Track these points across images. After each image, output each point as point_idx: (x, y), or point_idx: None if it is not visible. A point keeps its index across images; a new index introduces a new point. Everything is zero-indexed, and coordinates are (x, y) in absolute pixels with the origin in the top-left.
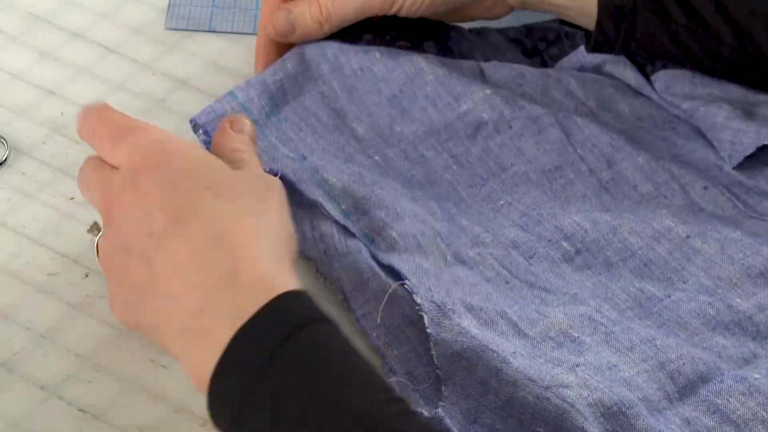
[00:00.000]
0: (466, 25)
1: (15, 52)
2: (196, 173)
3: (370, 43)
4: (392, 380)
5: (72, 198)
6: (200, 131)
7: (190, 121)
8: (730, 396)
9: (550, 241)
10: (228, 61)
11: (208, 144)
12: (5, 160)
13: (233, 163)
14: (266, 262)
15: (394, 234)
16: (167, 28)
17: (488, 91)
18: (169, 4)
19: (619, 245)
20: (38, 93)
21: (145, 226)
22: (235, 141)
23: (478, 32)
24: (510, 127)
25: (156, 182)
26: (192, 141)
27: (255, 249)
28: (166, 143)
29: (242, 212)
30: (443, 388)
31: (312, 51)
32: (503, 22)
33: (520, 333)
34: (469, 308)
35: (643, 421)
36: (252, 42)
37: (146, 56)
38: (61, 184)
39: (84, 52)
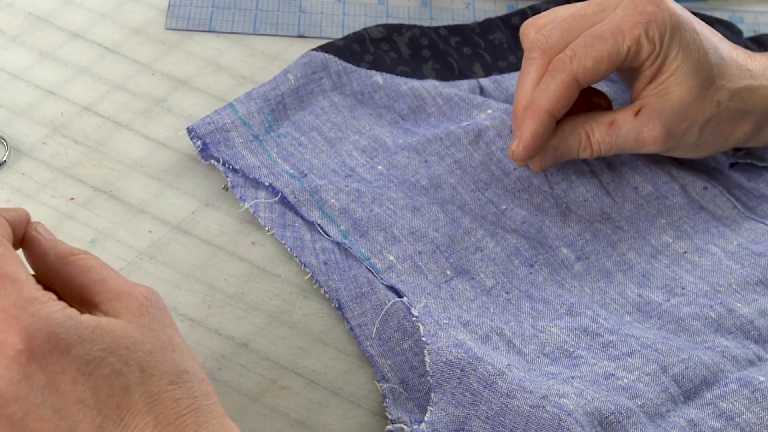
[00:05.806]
0: (467, 19)
1: (15, 52)
2: None
3: (371, 65)
4: (385, 387)
5: (72, 198)
6: (197, 141)
7: (188, 129)
8: (735, 400)
9: (551, 247)
10: (228, 61)
11: (203, 153)
12: (5, 160)
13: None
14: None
15: (391, 257)
16: (167, 28)
17: (489, 111)
18: (169, 4)
19: (618, 258)
20: (38, 93)
21: None
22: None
23: (480, 27)
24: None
25: None
26: None
27: None
28: None
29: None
30: (432, 394)
31: (316, 63)
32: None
33: (514, 349)
34: (465, 324)
35: (641, 429)
36: (252, 42)
37: (146, 56)
38: (61, 185)
39: (84, 52)
